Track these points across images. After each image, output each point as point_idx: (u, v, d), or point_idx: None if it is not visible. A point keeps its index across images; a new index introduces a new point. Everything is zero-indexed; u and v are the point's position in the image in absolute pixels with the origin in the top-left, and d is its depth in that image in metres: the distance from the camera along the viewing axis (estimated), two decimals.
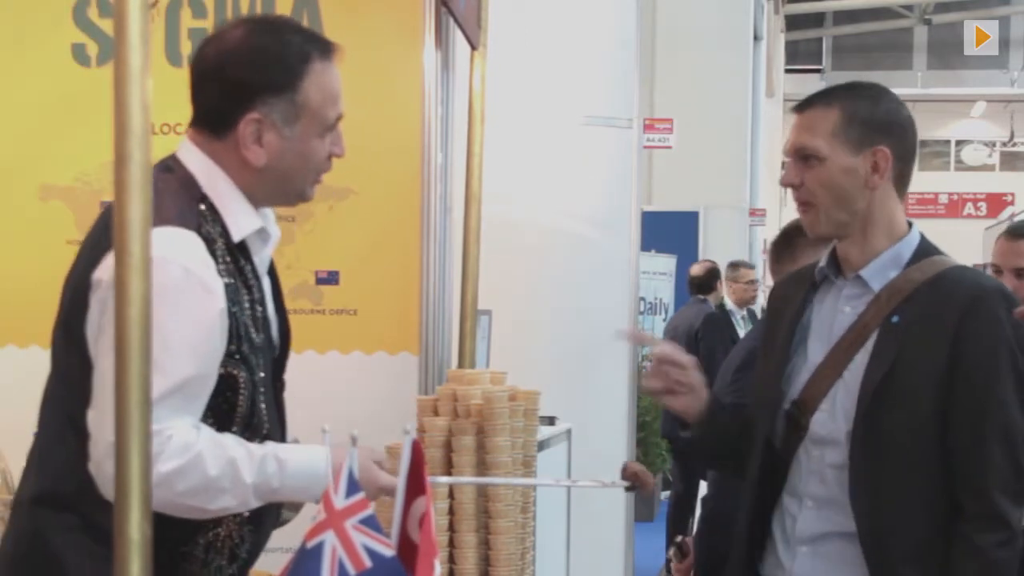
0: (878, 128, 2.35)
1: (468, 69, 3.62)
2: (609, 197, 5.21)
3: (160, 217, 1.72)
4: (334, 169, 3.30)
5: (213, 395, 1.97)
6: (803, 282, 2.50)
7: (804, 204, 2.38)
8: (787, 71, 23.74)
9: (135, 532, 1.32)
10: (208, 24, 3.34)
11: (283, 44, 2.03)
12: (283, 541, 3.26)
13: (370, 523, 1.54)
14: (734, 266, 8.72)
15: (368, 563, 1.53)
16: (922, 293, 2.31)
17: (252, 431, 2.05)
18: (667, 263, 12.03)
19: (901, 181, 2.39)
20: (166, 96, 3.22)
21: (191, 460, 1.89)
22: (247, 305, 2.02)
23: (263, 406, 2.08)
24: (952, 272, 2.35)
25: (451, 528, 2.94)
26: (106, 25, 3.34)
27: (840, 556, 2.34)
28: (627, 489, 2.51)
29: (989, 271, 3.68)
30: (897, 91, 2.52)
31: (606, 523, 5.16)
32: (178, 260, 1.90)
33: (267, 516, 2.15)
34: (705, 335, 7.76)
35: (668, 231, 12.15)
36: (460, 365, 3.54)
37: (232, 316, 1.98)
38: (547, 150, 5.06)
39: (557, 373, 4.78)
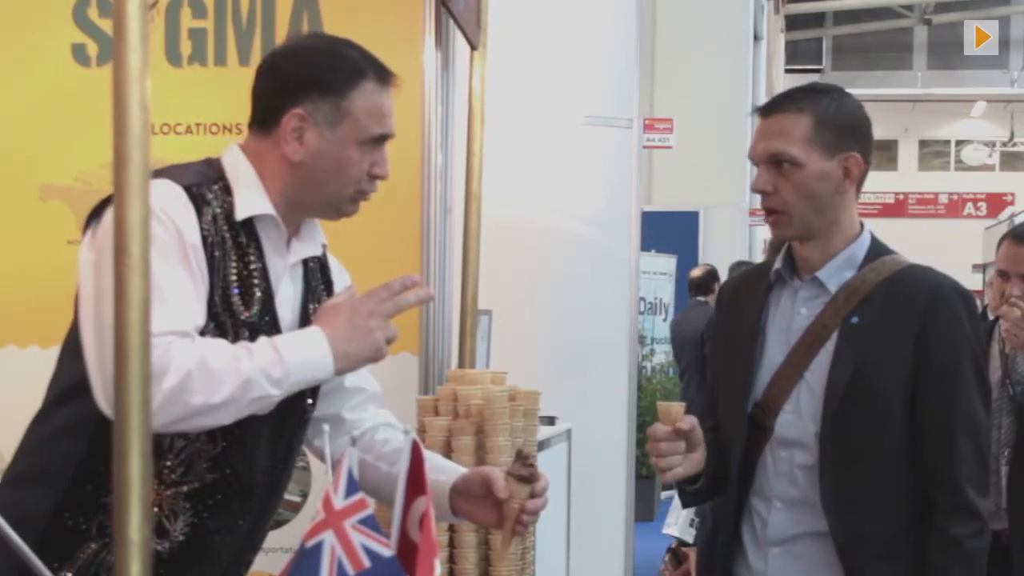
0: (848, 132, 2.34)
1: (468, 69, 3.62)
2: (609, 197, 5.20)
3: (158, 175, 1.88)
4: None
5: None
6: (759, 282, 2.49)
7: (773, 211, 2.35)
8: (787, 71, 23.72)
9: (135, 533, 1.32)
10: (208, 24, 3.33)
11: (339, 54, 2.10)
12: (283, 541, 3.27)
13: (369, 523, 1.55)
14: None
15: (367, 563, 1.53)
16: (879, 293, 2.33)
17: None
18: (667, 263, 12.04)
19: (861, 183, 2.40)
20: (166, 96, 3.27)
21: (197, 359, 1.84)
22: (233, 276, 2.02)
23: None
24: (908, 272, 2.37)
25: (451, 528, 2.94)
26: (106, 25, 3.34)
27: (814, 556, 2.35)
28: None
29: (992, 274, 3.65)
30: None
31: (606, 523, 5.16)
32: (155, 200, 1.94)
33: (214, 499, 2.04)
34: None
35: (668, 231, 12.17)
36: (460, 365, 3.54)
37: (210, 270, 1.98)
38: (547, 150, 5.06)
39: (557, 373, 4.78)
